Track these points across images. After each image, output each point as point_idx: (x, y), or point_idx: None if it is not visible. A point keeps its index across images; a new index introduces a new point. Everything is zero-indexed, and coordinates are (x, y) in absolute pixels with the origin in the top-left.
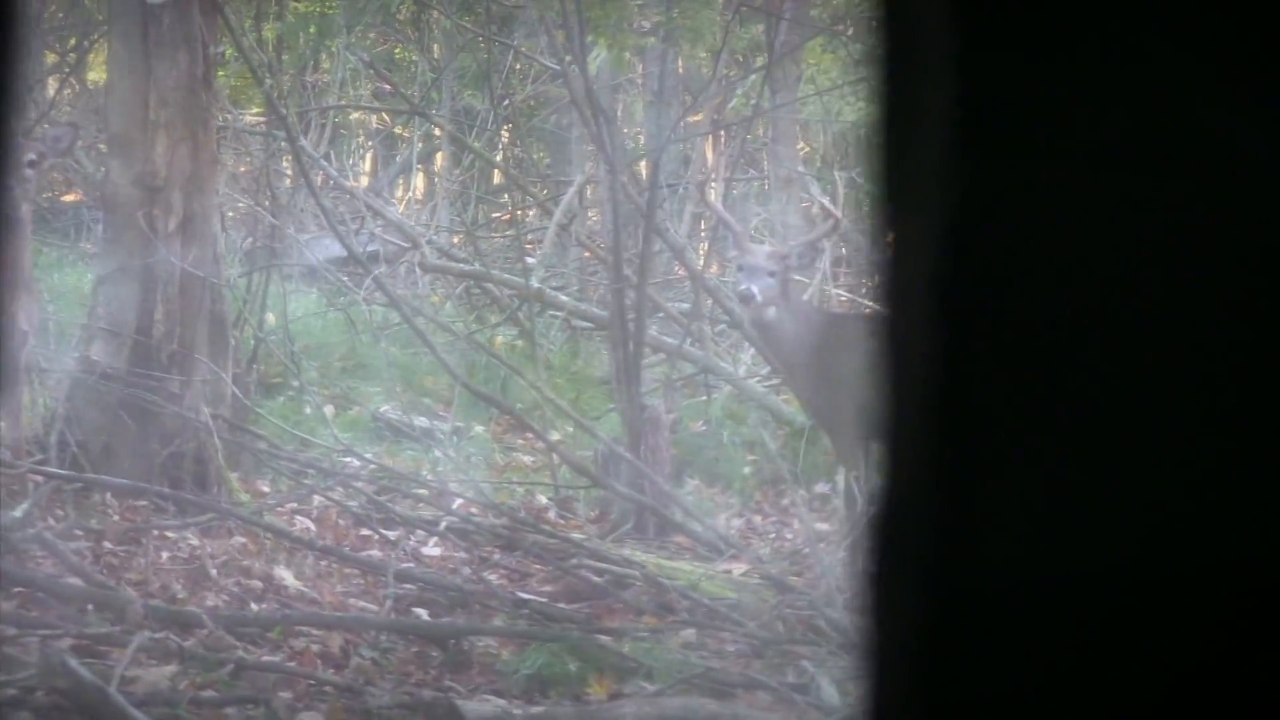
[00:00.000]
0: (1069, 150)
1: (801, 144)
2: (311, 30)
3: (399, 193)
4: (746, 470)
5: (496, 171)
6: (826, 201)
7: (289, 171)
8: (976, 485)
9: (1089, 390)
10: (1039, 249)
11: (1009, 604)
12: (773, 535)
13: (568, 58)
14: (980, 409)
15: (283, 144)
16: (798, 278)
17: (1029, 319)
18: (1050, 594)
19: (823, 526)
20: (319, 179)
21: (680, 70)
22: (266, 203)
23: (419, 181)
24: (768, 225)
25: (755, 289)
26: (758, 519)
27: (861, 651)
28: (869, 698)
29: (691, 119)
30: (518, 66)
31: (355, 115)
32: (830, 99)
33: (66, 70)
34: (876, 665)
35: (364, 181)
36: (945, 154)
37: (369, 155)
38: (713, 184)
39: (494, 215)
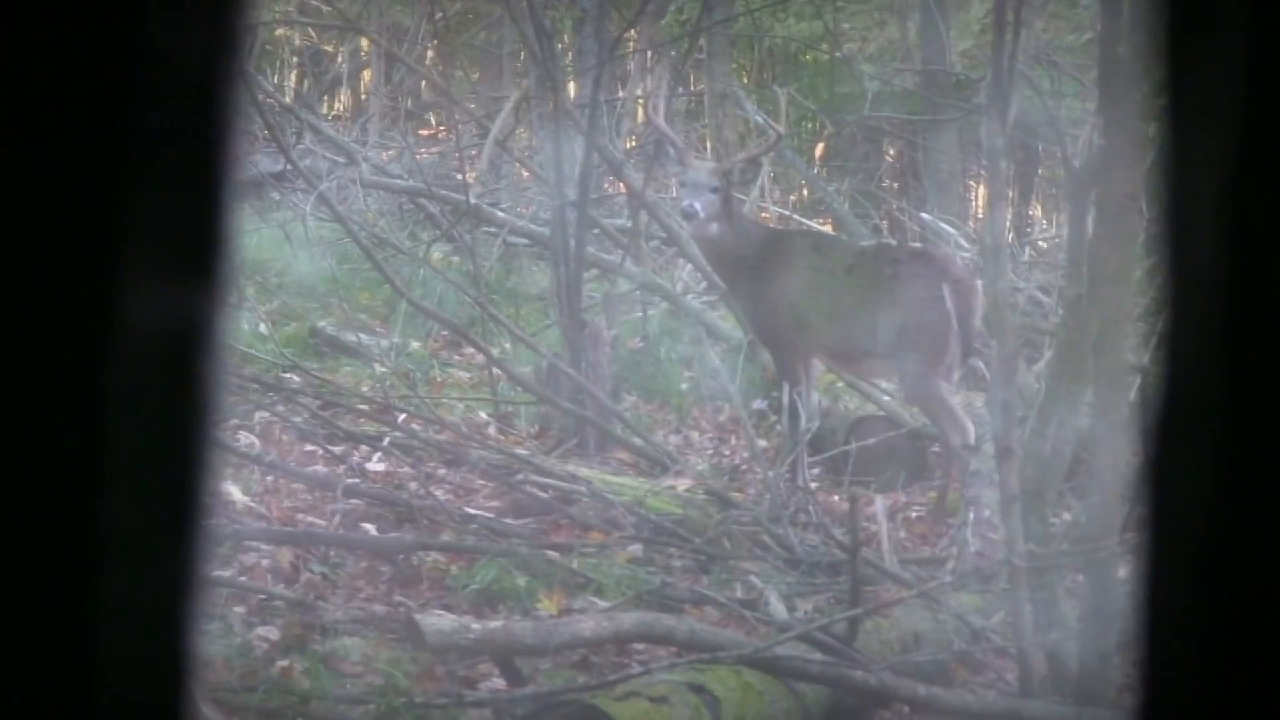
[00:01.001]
0: None
1: (734, 62)
2: None
3: (325, 110)
4: (684, 387)
5: (425, 88)
6: (763, 118)
7: None
8: (1264, 388)
9: None
10: None
11: None
12: (711, 452)
13: None
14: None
15: None
16: (737, 194)
17: None
18: None
19: (762, 443)
20: (251, 97)
21: None
22: None
23: (345, 98)
24: (704, 142)
25: (698, 205)
26: (695, 435)
27: (1141, 554)
28: (1152, 599)
29: (627, 35)
30: None
31: (280, 31)
32: (761, 16)
33: None
34: (1157, 567)
35: (291, 99)
36: (1239, 67)
37: (294, 72)
38: (652, 101)
39: (422, 132)
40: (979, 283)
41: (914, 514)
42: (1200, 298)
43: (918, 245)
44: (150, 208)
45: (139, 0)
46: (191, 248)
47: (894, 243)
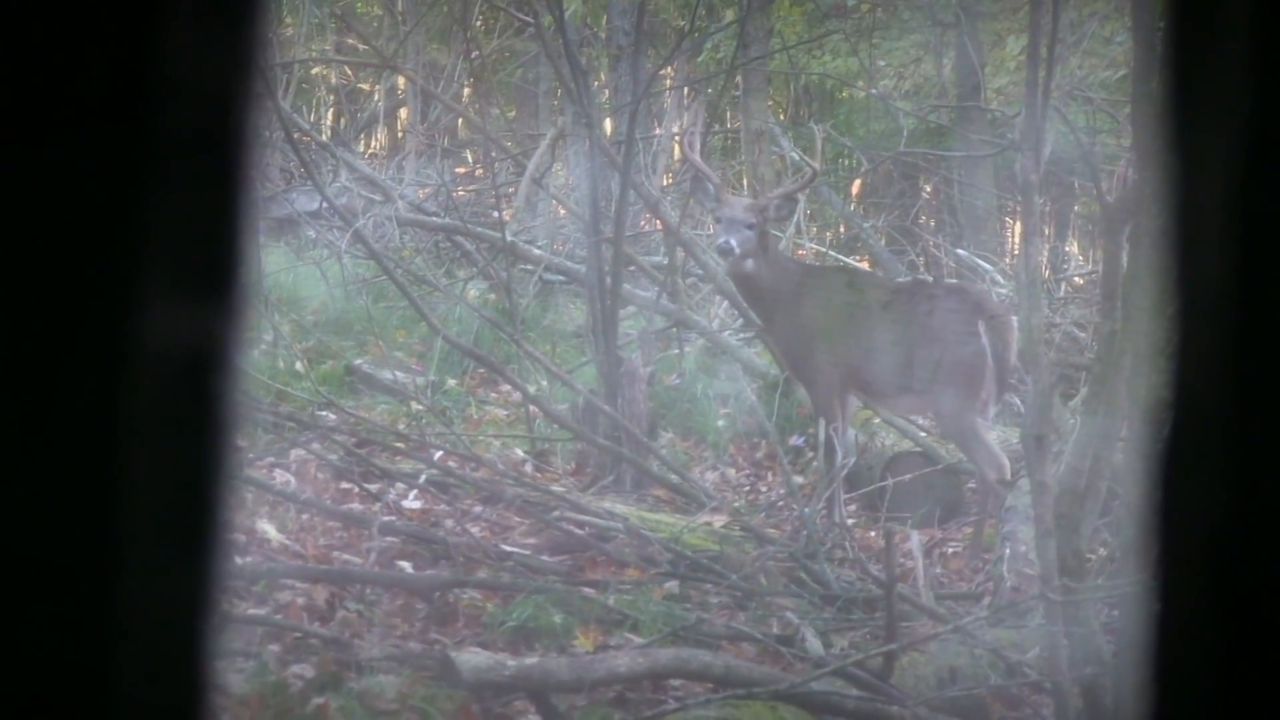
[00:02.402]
0: None
1: (770, 99)
2: None
3: (360, 147)
4: (720, 423)
5: (461, 126)
6: (799, 154)
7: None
8: (1273, 403)
9: None
10: None
11: None
12: (747, 488)
13: (540, 10)
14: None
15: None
16: (773, 231)
17: None
18: None
19: (798, 479)
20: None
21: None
22: None
23: (381, 136)
24: (739, 179)
25: (734, 241)
26: (732, 472)
27: (1150, 569)
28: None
29: (662, 73)
30: (479, 23)
31: (316, 70)
32: (797, 53)
33: None
34: (1166, 580)
35: (327, 136)
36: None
37: (331, 110)
38: (689, 137)
39: (459, 170)
40: (1014, 318)
41: (950, 549)
42: (1208, 306)
43: (953, 281)
44: (166, 225)
45: (155, 22)
46: (207, 267)
47: (930, 279)
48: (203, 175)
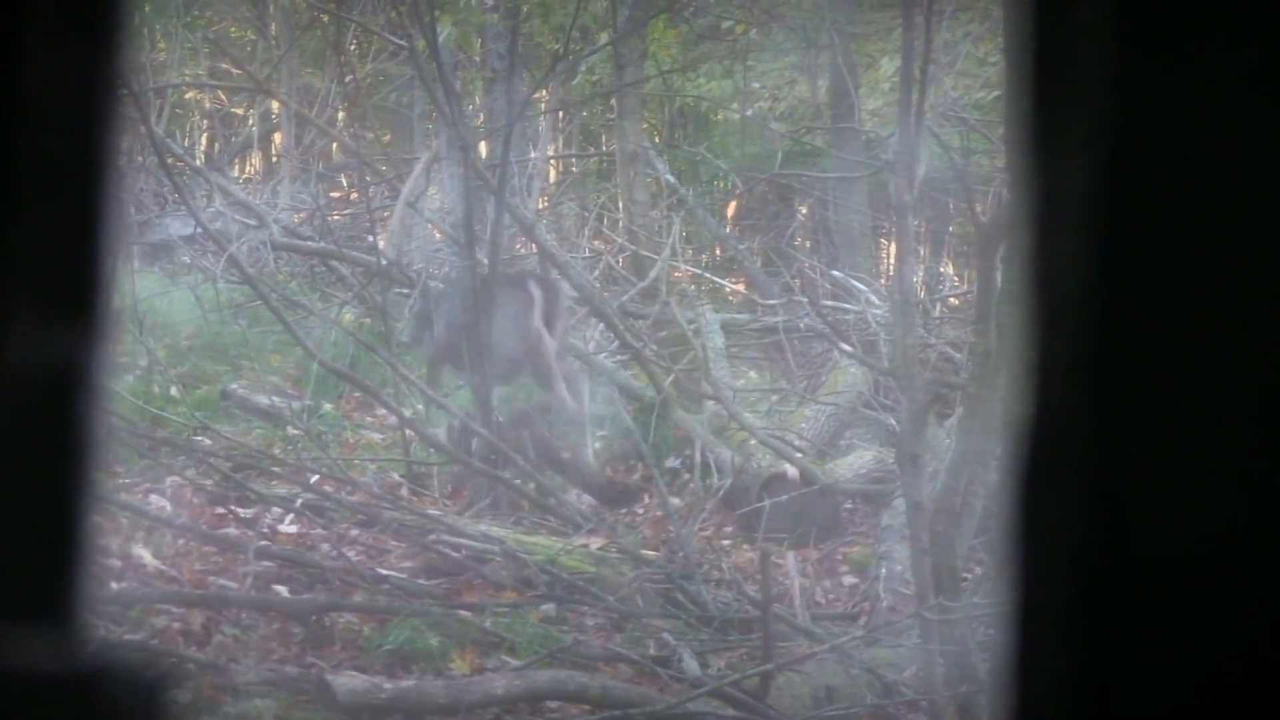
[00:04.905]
0: (1225, 90)
1: (645, 121)
2: (147, 9)
3: (235, 172)
4: (597, 445)
5: (335, 149)
6: (672, 177)
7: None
8: (1133, 416)
9: (1251, 337)
10: (1196, 198)
11: (1167, 533)
12: (624, 510)
13: (414, 34)
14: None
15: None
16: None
17: (1186, 263)
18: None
19: (675, 501)
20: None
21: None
22: None
23: (255, 160)
24: (614, 201)
25: None
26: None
27: (1008, 592)
28: (1017, 637)
29: (536, 96)
30: (353, 46)
31: (190, 94)
32: (672, 76)
33: None
34: (1023, 602)
35: (201, 160)
36: (1106, 86)
37: (205, 135)
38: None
39: (333, 194)
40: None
41: (825, 569)
42: (1068, 322)
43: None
44: (25, 248)
45: (15, 39)
46: (69, 290)
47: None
48: (64, 198)
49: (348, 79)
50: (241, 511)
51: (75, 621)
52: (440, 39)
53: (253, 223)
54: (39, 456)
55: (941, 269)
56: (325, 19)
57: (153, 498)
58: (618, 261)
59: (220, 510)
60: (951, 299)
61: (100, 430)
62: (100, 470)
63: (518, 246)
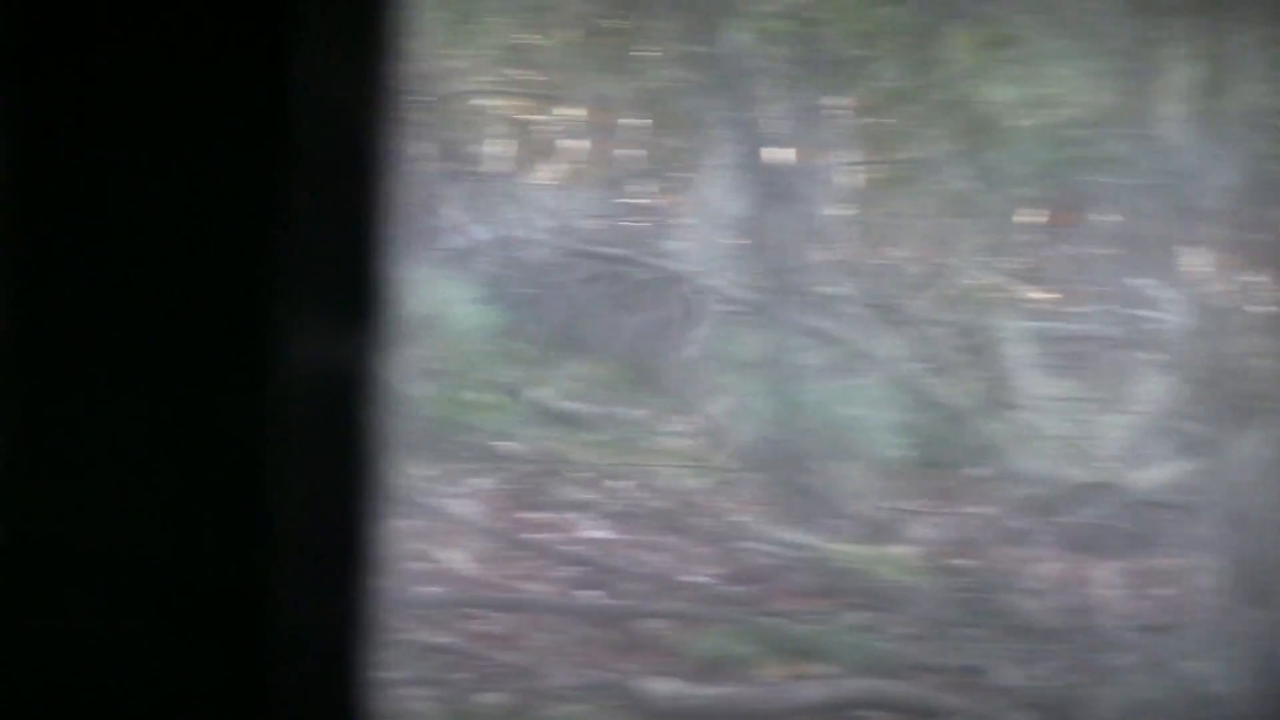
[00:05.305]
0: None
1: (939, 128)
2: (435, 17)
3: (532, 177)
4: (898, 453)
5: (629, 156)
6: (965, 184)
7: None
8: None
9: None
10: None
11: None
12: (936, 518)
13: (707, 40)
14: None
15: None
16: None
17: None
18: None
19: (983, 510)
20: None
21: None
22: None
23: (552, 166)
24: (907, 208)
25: None
26: (920, 502)
27: None
28: None
29: (829, 102)
30: (647, 53)
31: (487, 101)
32: (964, 82)
33: None
34: None
35: (496, 167)
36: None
37: (500, 141)
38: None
39: (628, 200)
40: None
41: (1135, 581)
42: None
43: None
44: (310, 250)
45: (288, 39)
46: (355, 293)
47: None
48: (347, 203)
49: (641, 85)
50: (551, 516)
51: (367, 624)
52: (733, 45)
53: (550, 227)
54: (330, 461)
55: (1247, 278)
56: (617, 25)
57: (456, 502)
58: (915, 269)
59: (523, 514)
60: (1260, 308)
61: (394, 435)
62: (396, 474)
63: (813, 254)
